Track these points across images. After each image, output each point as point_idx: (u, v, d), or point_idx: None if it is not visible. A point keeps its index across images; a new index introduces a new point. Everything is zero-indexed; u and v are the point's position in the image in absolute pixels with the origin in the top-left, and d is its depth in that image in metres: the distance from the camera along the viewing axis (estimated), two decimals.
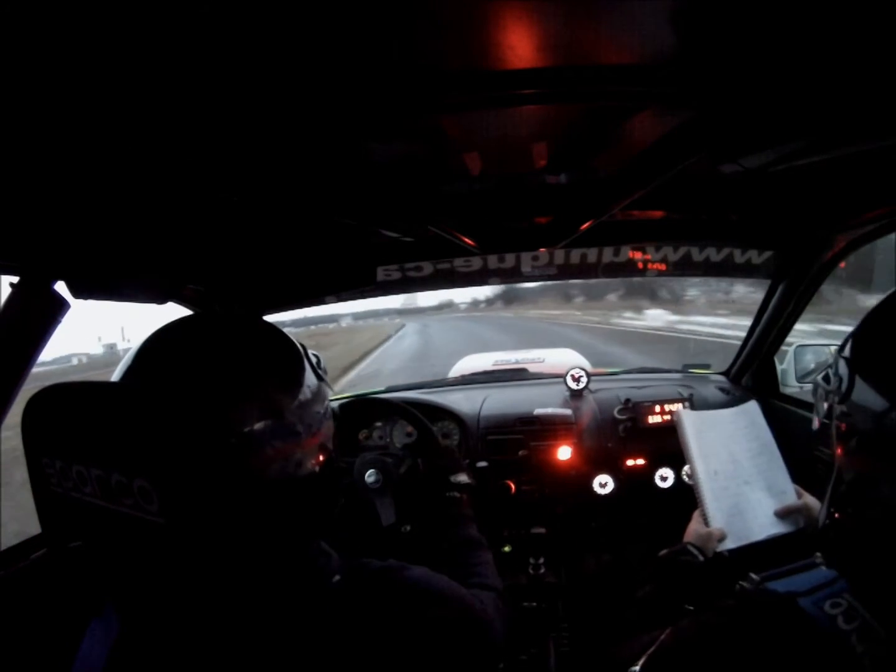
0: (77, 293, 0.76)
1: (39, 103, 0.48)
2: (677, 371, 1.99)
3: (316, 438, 0.56)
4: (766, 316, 1.55)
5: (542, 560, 1.54)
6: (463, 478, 1.11)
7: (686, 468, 1.45)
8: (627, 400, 1.59)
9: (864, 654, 0.41)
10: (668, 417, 1.55)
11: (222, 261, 1.17)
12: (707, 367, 1.96)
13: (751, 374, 1.70)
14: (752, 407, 1.11)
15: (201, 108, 0.55)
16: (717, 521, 0.94)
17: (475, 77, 0.54)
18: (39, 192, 0.64)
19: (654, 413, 1.56)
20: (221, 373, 0.51)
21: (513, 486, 1.51)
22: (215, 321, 0.61)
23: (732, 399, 1.65)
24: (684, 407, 1.54)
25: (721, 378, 1.84)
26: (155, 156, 0.61)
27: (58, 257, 0.74)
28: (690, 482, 1.03)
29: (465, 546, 0.92)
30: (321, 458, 0.57)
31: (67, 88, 0.47)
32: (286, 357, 0.58)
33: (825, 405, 0.52)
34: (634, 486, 1.53)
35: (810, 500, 0.94)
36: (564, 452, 1.53)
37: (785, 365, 1.65)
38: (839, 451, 0.48)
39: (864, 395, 0.45)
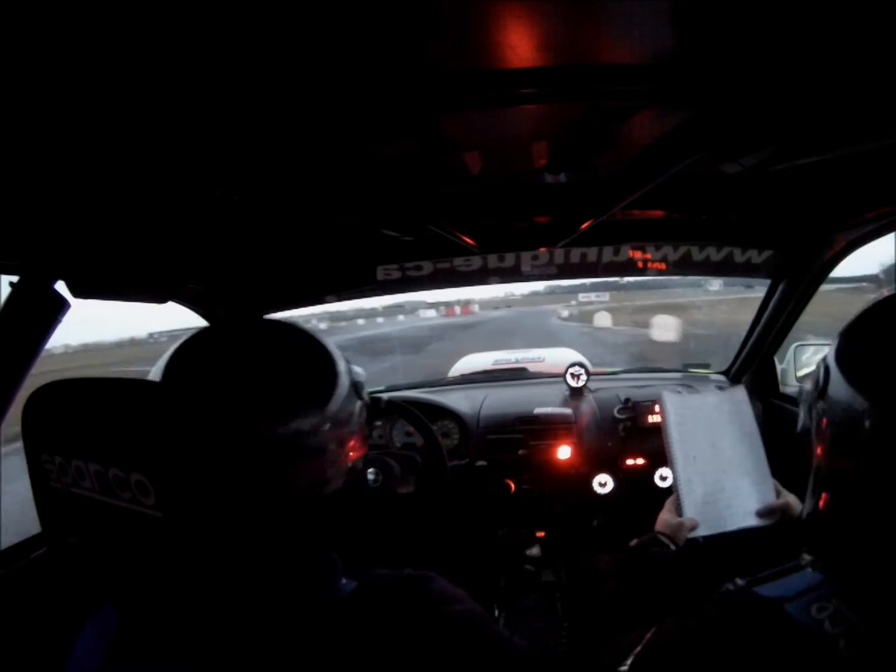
0: (77, 293, 0.76)
1: (40, 103, 0.48)
2: (677, 370, 1.99)
3: (336, 459, 0.53)
4: (765, 315, 1.54)
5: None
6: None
7: None
8: (627, 399, 1.59)
9: (852, 658, 0.40)
10: None
11: (223, 260, 1.17)
12: (707, 366, 1.96)
13: (751, 373, 1.70)
14: (739, 392, 1.09)
15: (202, 108, 0.55)
16: (690, 507, 0.93)
17: (475, 76, 0.54)
18: (40, 192, 0.64)
19: (653, 412, 1.56)
20: (234, 375, 0.50)
21: (513, 486, 1.51)
22: (247, 329, 0.57)
23: None
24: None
25: (721, 377, 1.84)
26: (155, 155, 0.61)
27: (58, 257, 0.74)
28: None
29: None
30: (343, 478, 0.53)
31: (68, 88, 0.47)
32: (315, 370, 0.53)
33: (807, 406, 0.53)
34: (634, 485, 1.53)
35: (790, 498, 0.94)
36: (564, 452, 1.53)
37: (785, 364, 1.65)
38: (819, 447, 0.50)
39: (841, 390, 0.46)
